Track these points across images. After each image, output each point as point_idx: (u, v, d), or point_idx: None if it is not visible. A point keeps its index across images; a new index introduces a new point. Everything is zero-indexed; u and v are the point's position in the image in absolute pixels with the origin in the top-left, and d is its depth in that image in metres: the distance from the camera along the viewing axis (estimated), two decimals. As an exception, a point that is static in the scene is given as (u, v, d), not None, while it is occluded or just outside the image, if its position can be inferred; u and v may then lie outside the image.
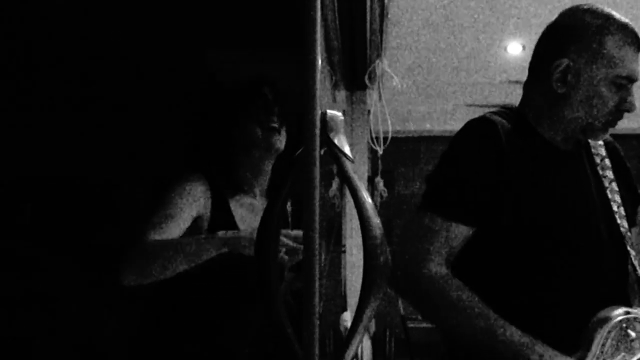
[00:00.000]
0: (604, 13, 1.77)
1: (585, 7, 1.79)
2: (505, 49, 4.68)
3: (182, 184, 2.13)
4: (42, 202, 3.22)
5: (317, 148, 1.07)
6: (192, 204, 2.11)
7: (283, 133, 2.22)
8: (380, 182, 4.08)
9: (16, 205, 3.23)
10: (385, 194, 4.10)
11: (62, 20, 2.92)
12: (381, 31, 3.42)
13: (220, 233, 2.00)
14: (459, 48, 4.79)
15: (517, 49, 4.63)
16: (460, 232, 1.71)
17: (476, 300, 1.66)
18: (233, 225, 2.16)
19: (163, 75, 3.09)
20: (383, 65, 3.60)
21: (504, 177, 1.70)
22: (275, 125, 2.19)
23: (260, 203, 2.25)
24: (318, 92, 1.06)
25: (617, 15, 1.77)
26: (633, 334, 1.69)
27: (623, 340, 1.68)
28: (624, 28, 1.75)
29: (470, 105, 5.52)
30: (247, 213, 2.22)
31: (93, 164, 3.14)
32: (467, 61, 5.02)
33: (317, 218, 1.05)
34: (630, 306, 1.74)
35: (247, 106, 2.21)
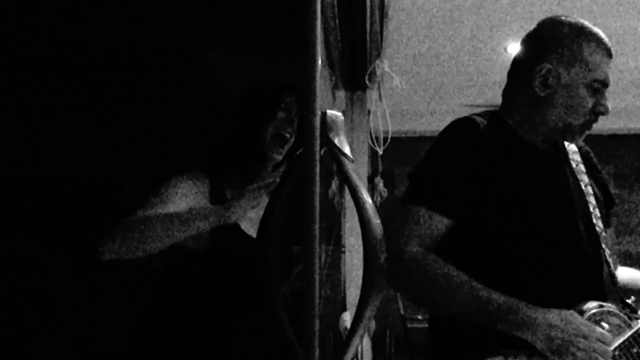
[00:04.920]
0: (579, 22, 1.92)
1: (562, 17, 1.94)
2: (505, 49, 4.68)
3: (171, 179, 2.18)
4: (42, 202, 3.22)
5: (317, 148, 1.07)
6: (182, 197, 2.14)
7: (292, 138, 2.24)
8: (380, 182, 4.08)
9: (16, 205, 3.23)
10: (385, 194, 4.10)
11: (63, 21, 2.92)
12: (381, 31, 3.42)
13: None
14: (459, 48, 4.79)
15: (517, 49, 4.62)
16: (441, 223, 1.80)
17: (454, 270, 1.74)
18: (235, 225, 2.18)
19: (163, 75, 3.09)
20: (383, 65, 3.60)
21: (486, 174, 1.80)
22: (286, 134, 2.22)
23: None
24: (318, 92, 1.06)
25: (590, 24, 1.92)
26: (606, 327, 1.76)
27: None
28: (597, 36, 1.90)
29: (470, 105, 5.52)
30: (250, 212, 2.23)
31: (93, 164, 3.14)
32: (467, 61, 5.01)
33: (317, 218, 1.05)
34: (606, 301, 1.82)
35: (267, 116, 2.22)
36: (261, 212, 2.20)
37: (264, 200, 2.25)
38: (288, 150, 2.24)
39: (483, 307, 1.71)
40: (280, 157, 2.23)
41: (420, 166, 1.90)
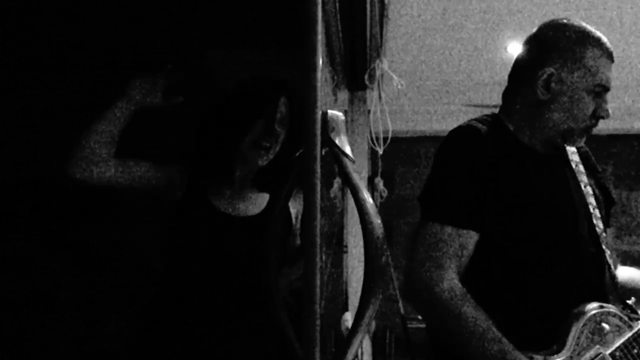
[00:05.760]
0: (582, 26, 1.91)
1: (564, 21, 1.93)
2: (505, 49, 4.68)
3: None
4: (42, 202, 3.22)
5: (318, 148, 1.07)
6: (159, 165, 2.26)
7: (277, 145, 2.23)
8: (380, 182, 4.08)
9: (16, 205, 3.23)
10: (385, 194, 4.10)
11: (63, 21, 2.92)
12: (381, 31, 3.42)
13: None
14: (459, 48, 4.78)
15: (517, 49, 4.60)
16: (471, 238, 1.77)
17: (491, 323, 1.71)
18: (211, 209, 2.22)
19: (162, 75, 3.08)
20: (383, 65, 3.60)
21: (488, 180, 1.79)
22: (267, 144, 2.21)
23: (233, 192, 2.27)
24: (319, 92, 1.06)
25: (592, 28, 1.92)
26: (607, 327, 1.77)
27: (597, 334, 1.77)
28: (599, 41, 1.89)
29: (470, 105, 5.52)
30: (224, 200, 2.24)
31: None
32: (467, 61, 5.01)
33: (318, 218, 1.05)
34: (607, 301, 1.83)
35: (244, 126, 2.22)
36: (246, 195, 2.26)
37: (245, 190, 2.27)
38: (274, 157, 2.23)
39: None
40: (264, 161, 2.23)
41: (430, 184, 1.87)
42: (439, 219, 1.77)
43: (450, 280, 1.72)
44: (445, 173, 1.85)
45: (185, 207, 2.23)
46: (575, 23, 1.92)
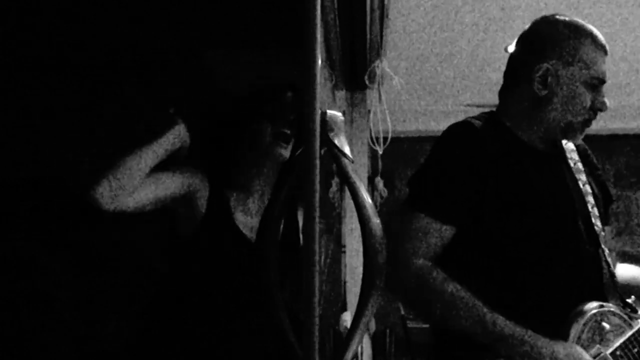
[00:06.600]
0: (574, 21, 1.93)
1: (557, 16, 1.96)
2: (505, 49, 4.68)
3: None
4: (42, 202, 3.22)
5: (317, 148, 1.07)
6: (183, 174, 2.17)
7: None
8: (380, 182, 4.08)
9: (16, 205, 3.23)
10: (385, 194, 4.10)
11: (63, 21, 2.92)
12: (381, 31, 3.42)
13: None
14: (459, 48, 4.79)
15: (516, 49, 4.61)
16: (444, 230, 1.80)
17: (464, 291, 1.75)
18: (232, 223, 2.19)
19: (162, 75, 3.08)
20: (383, 65, 3.60)
21: (486, 174, 1.81)
22: (287, 131, 2.20)
23: (257, 204, 2.26)
24: (318, 92, 1.06)
25: (584, 22, 1.94)
26: (607, 326, 1.79)
27: (598, 333, 1.79)
28: (592, 34, 1.92)
29: (470, 105, 5.52)
30: (243, 213, 2.23)
31: (93, 164, 3.13)
32: (467, 61, 5.01)
33: (317, 218, 1.06)
34: (606, 300, 1.84)
35: (263, 109, 2.21)
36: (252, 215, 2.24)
37: (259, 203, 2.26)
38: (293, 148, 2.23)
39: (488, 330, 1.72)
40: (288, 154, 2.22)
41: (421, 173, 1.90)
42: (417, 209, 1.82)
43: (419, 261, 1.76)
44: (433, 167, 1.88)
45: (207, 225, 2.19)
46: (568, 18, 1.93)
